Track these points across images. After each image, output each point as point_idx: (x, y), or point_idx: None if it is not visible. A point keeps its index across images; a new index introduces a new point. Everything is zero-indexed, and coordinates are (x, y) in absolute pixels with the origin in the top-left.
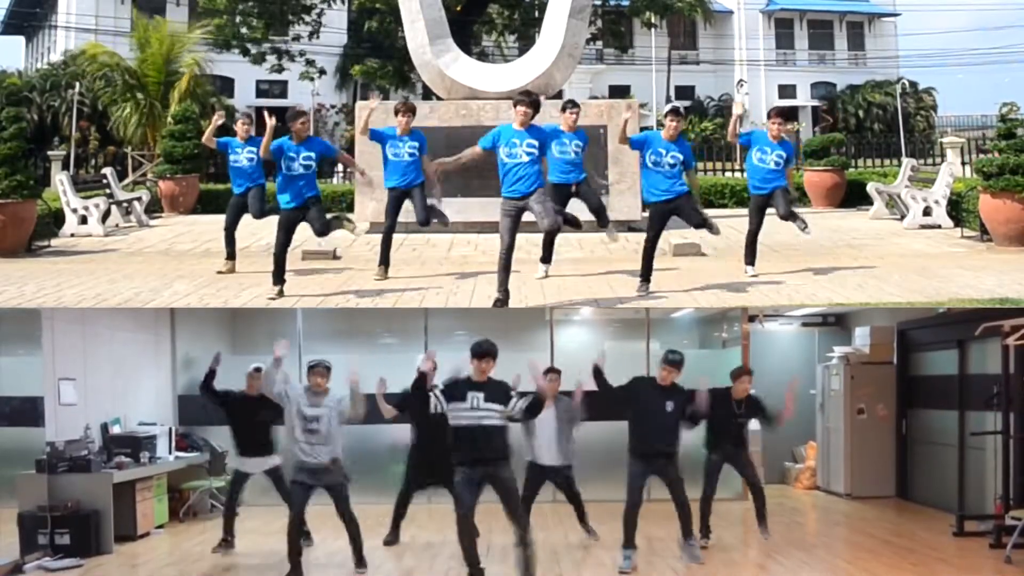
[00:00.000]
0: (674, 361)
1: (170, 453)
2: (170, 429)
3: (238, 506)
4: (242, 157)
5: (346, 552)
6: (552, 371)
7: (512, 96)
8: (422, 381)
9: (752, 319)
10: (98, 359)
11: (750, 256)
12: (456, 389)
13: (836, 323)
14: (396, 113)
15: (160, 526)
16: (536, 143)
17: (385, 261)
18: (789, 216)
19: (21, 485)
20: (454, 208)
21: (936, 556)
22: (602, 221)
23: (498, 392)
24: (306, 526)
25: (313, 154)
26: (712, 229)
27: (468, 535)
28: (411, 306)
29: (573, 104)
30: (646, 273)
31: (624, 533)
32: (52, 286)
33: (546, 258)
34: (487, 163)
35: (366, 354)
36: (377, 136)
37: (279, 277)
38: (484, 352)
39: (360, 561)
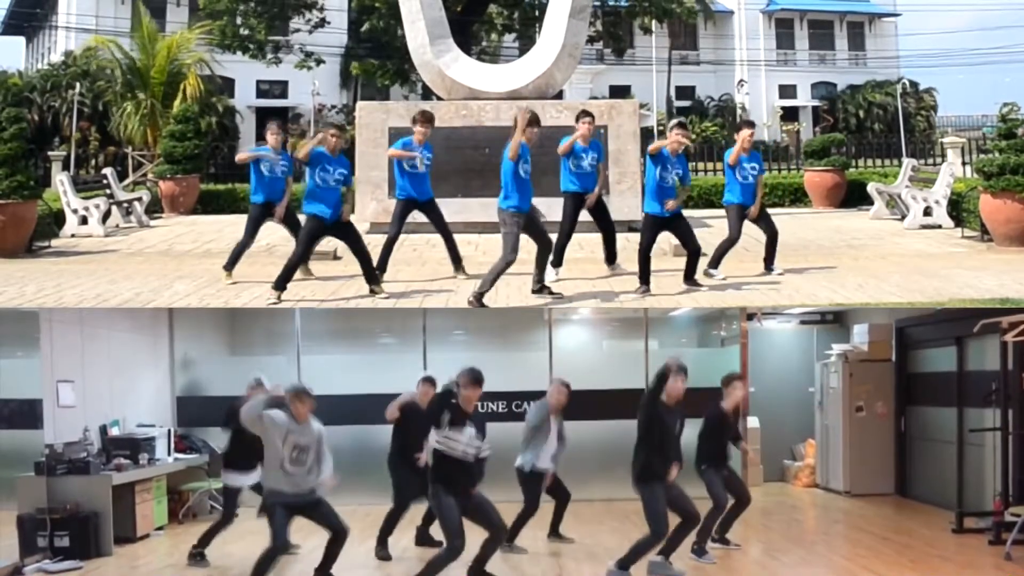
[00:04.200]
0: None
1: (169, 455)
2: (169, 431)
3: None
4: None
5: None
6: (562, 384)
7: (516, 96)
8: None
9: (750, 317)
10: (96, 361)
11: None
12: (457, 416)
13: (835, 321)
14: (414, 123)
15: (159, 528)
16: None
17: (381, 268)
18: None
19: (20, 487)
20: (453, 208)
21: (935, 553)
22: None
23: (481, 424)
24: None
25: (345, 171)
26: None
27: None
28: (411, 306)
29: (586, 114)
30: (644, 276)
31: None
32: (52, 286)
33: (557, 262)
34: (487, 164)
35: (365, 354)
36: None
37: (284, 284)
38: (473, 381)
39: (326, 567)
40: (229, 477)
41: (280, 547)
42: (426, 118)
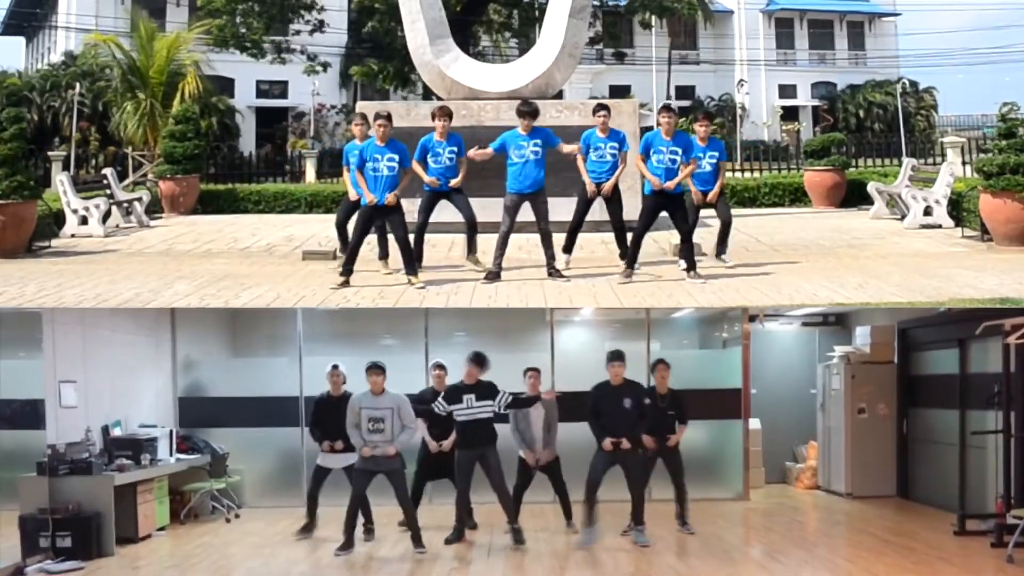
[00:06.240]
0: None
1: (171, 455)
2: (171, 431)
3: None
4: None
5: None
6: (532, 370)
7: (516, 96)
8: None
9: (752, 319)
10: (99, 361)
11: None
12: (455, 394)
13: (836, 322)
14: (433, 117)
15: (161, 528)
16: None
17: (418, 258)
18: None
19: (22, 488)
20: (453, 208)
21: (937, 555)
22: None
23: (486, 391)
24: (372, 523)
25: (397, 156)
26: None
27: (463, 503)
28: (411, 306)
29: (603, 107)
30: (631, 259)
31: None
32: (53, 286)
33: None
34: (487, 164)
35: (366, 356)
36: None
37: (348, 269)
38: (471, 360)
39: (417, 542)
40: (322, 459)
41: (354, 499)
42: (444, 112)
